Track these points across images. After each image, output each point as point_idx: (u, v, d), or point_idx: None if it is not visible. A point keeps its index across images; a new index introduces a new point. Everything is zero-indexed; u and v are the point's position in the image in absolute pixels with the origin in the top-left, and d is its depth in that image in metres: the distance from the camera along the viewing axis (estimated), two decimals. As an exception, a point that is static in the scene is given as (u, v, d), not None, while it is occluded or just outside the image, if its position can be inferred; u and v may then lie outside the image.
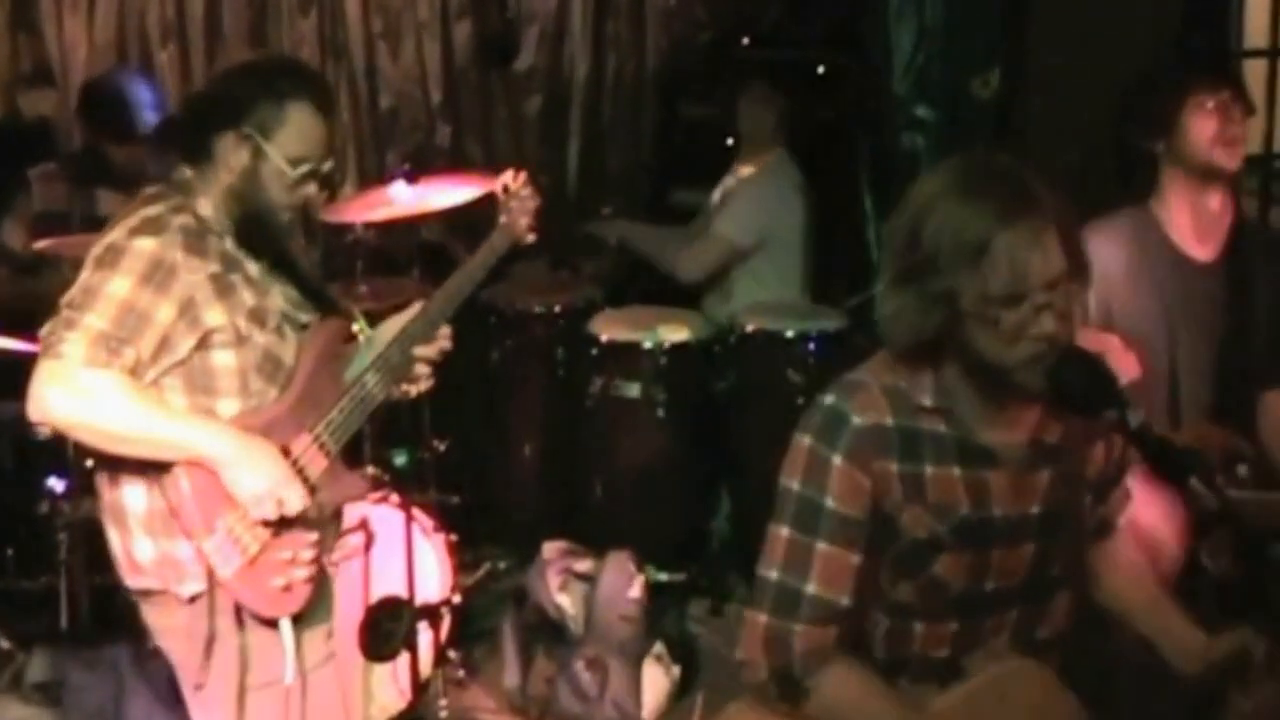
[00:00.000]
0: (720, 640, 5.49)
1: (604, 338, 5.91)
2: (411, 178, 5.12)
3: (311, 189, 3.48)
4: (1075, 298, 2.73)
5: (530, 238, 4.18)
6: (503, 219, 4.18)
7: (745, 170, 6.41)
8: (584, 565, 5.31)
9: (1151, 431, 2.84)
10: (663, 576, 5.67)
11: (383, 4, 7.09)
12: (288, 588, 3.40)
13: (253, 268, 3.45)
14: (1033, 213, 2.65)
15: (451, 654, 5.19)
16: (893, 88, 6.60)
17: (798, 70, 7.25)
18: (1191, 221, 4.22)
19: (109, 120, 5.72)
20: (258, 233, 3.45)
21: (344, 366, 3.65)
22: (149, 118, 5.75)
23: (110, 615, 4.94)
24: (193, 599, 3.40)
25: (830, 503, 2.75)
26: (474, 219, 6.58)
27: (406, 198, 5.11)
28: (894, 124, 6.64)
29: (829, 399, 2.82)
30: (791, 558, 2.78)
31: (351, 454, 5.24)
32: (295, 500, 3.34)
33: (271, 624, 3.43)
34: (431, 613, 4.97)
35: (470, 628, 5.45)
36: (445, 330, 3.83)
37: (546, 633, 5.25)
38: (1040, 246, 2.64)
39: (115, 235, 3.31)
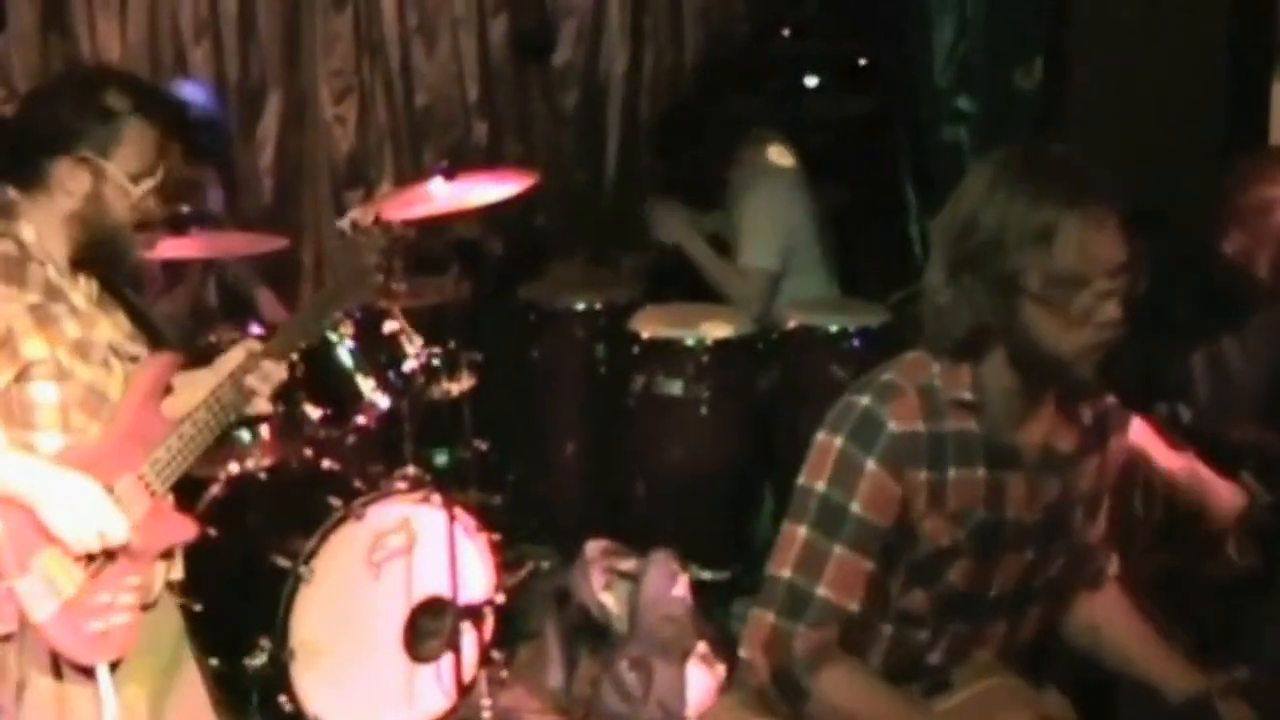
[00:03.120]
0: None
1: (645, 335, 5.87)
2: (449, 175, 5.09)
3: (152, 203, 3.39)
4: (1132, 289, 2.69)
5: (378, 279, 3.99)
6: (348, 260, 3.97)
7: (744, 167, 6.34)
8: (627, 564, 5.28)
9: (1206, 427, 2.84)
10: (706, 575, 5.61)
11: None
12: (106, 633, 3.26)
13: (78, 298, 3.35)
14: (1098, 198, 2.64)
15: (495, 654, 5.16)
16: (934, 80, 6.55)
17: (837, 62, 7.21)
18: None
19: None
20: (104, 256, 3.38)
21: (175, 400, 3.53)
22: (206, 139, 5.71)
23: None
24: (4, 639, 3.21)
25: (856, 507, 2.71)
26: (510, 216, 6.62)
27: (444, 195, 5.08)
28: (935, 116, 6.60)
29: (864, 400, 2.78)
30: (806, 558, 2.74)
31: (391, 455, 5.29)
32: (118, 536, 3.19)
33: (88, 671, 3.27)
34: (475, 613, 4.99)
35: (514, 628, 5.43)
36: (279, 368, 3.66)
37: (590, 633, 5.23)
38: (1106, 232, 2.63)
39: None
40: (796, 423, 5.74)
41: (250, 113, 6.73)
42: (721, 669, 5.13)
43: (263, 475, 5.02)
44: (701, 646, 5.14)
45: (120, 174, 3.30)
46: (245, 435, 5.00)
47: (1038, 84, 6.07)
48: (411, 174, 6.85)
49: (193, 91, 5.90)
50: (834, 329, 5.81)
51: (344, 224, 4.05)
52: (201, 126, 5.67)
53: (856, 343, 5.77)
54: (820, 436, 2.80)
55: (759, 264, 6.16)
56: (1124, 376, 2.75)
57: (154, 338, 3.55)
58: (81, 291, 3.38)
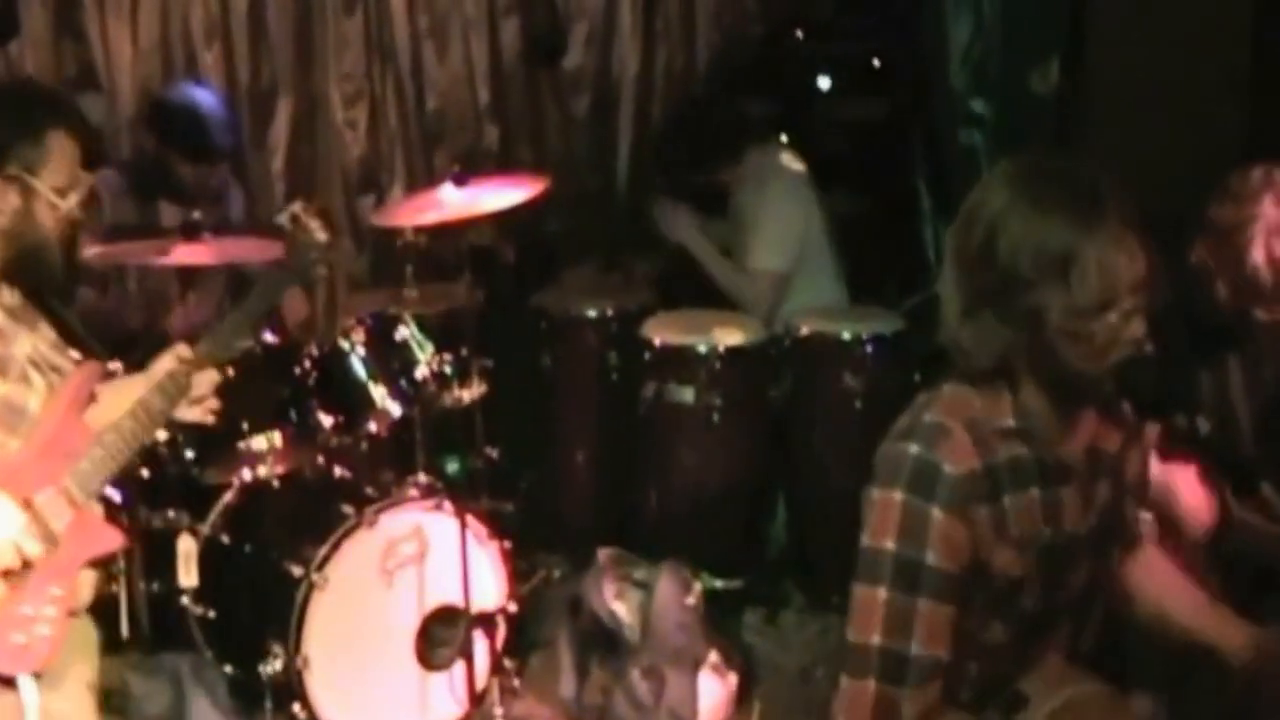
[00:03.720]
0: (776, 648, 5.46)
1: (657, 341, 5.84)
2: (461, 180, 5.07)
3: (78, 213, 3.41)
4: (1154, 301, 2.67)
5: (321, 273, 4.03)
6: (286, 255, 4.01)
7: (752, 169, 6.32)
8: (639, 573, 5.26)
9: (1220, 438, 2.83)
10: (718, 584, 5.60)
11: (429, 2, 7.04)
12: (28, 645, 3.26)
13: None
14: (1110, 218, 2.60)
15: (507, 662, 5.16)
16: (949, 82, 6.54)
17: (852, 64, 7.20)
18: None
19: (184, 137, 5.64)
20: (33, 270, 3.38)
21: (100, 409, 3.51)
22: (223, 138, 5.70)
23: (169, 624, 4.97)
24: None
25: (931, 559, 2.66)
26: (521, 222, 6.60)
27: (456, 200, 5.06)
28: (950, 119, 6.59)
29: (914, 449, 2.71)
30: (893, 621, 2.69)
31: (403, 462, 5.28)
32: (35, 550, 3.22)
33: (10, 683, 3.28)
34: (487, 621, 4.98)
35: (526, 636, 5.42)
36: (211, 374, 3.69)
37: (602, 641, 5.20)
38: (1125, 251, 2.59)
39: None
40: (809, 430, 5.78)
41: (261, 117, 6.72)
42: (733, 678, 5.12)
43: (275, 483, 5.03)
44: (713, 655, 5.11)
45: (48, 190, 3.32)
46: (258, 443, 5.02)
47: (1053, 87, 6.06)
48: (423, 178, 6.87)
49: (199, 94, 5.88)
50: (847, 336, 5.77)
51: (283, 218, 4.04)
52: (209, 129, 5.66)
53: (869, 350, 5.73)
54: (876, 493, 2.74)
55: (767, 266, 6.15)
56: (1140, 386, 2.72)
57: (80, 347, 3.57)
58: (9, 307, 3.38)
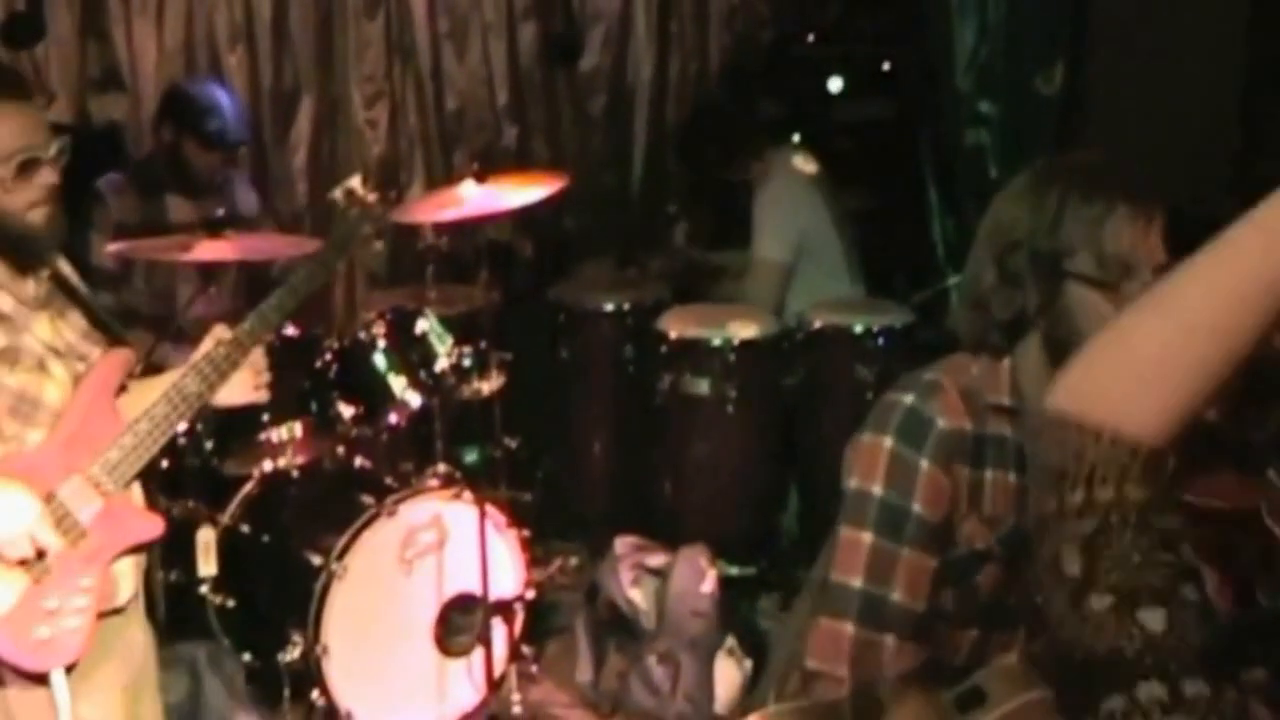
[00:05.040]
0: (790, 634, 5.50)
1: (673, 335, 5.90)
2: (479, 178, 5.13)
3: (44, 176, 3.22)
4: None
5: (377, 246, 3.92)
6: (339, 230, 3.95)
7: (767, 168, 6.40)
8: (656, 560, 5.31)
9: (1229, 425, 2.81)
10: (733, 571, 5.65)
11: (449, 5, 7.11)
12: (52, 639, 3.13)
13: (5, 302, 3.22)
14: (1146, 197, 2.65)
15: (525, 649, 5.21)
16: (956, 83, 6.59)
17: (862, 66, 7.25)
18: None
19: (199, 123, 5.65)
20: (13, 247, 3.23)
21: (134, 397, 3.41)
22: (235, 130, 5.77)
23: (186, 614, 4.95)
24: None
25: (918, 508, 2.70)
26: (539, 219, 6.68)
27: (475, 199, 5.12)
28: (957, 120, 6.64)
29: (909, 399, 2.75)
30: (877, 564, 2.72)
31: (422, 453, 5.34)
32: (50, 542, 3.08)
33: (40, 679, 3.15)
34: (505, 609, 5.01)
35: (543, 624, 5.47)
36: (256, 354, 3.56)
37: (619, 628, 5.26)
38: (1154, 230, 2.63)
39: None
40: (821, 421, 5.82)
41: (284, 117, 6.78)
42: (749, 664, 5.17)
43: (296, 473, 5.03)
44: (729, 641, 5.17)
45: None
46: (279, 434, 5.01)
47: (1058, 89, 6.12)
48: (442, 177, 6.92)
49: (217, 86, 5.94)
50: (859, 329, 5.84)
51: (337, 193, 4.00)
52: (226, 115, 5.70)
53: (881, 342, 5.80)
54: (866, 437, 2.78)
55: (769, 255, 6.22)
56: None
57: (110, 335, 3.44)
58: (22, 295, 3.28)
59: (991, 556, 2.77)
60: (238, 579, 4.99)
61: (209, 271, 5.38)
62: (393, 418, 5.12)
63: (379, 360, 5.01)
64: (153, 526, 3.36)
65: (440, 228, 5.35)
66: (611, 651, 5.26)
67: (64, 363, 3.29)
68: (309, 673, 4.71)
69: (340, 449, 5.21)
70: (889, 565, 2.72)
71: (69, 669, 3.17)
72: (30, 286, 3.29)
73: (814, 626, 2.81)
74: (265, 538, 5.02)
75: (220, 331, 3.49)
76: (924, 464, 2.71)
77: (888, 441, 2.74)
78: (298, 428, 5.05)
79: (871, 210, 6.84)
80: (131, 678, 3.45)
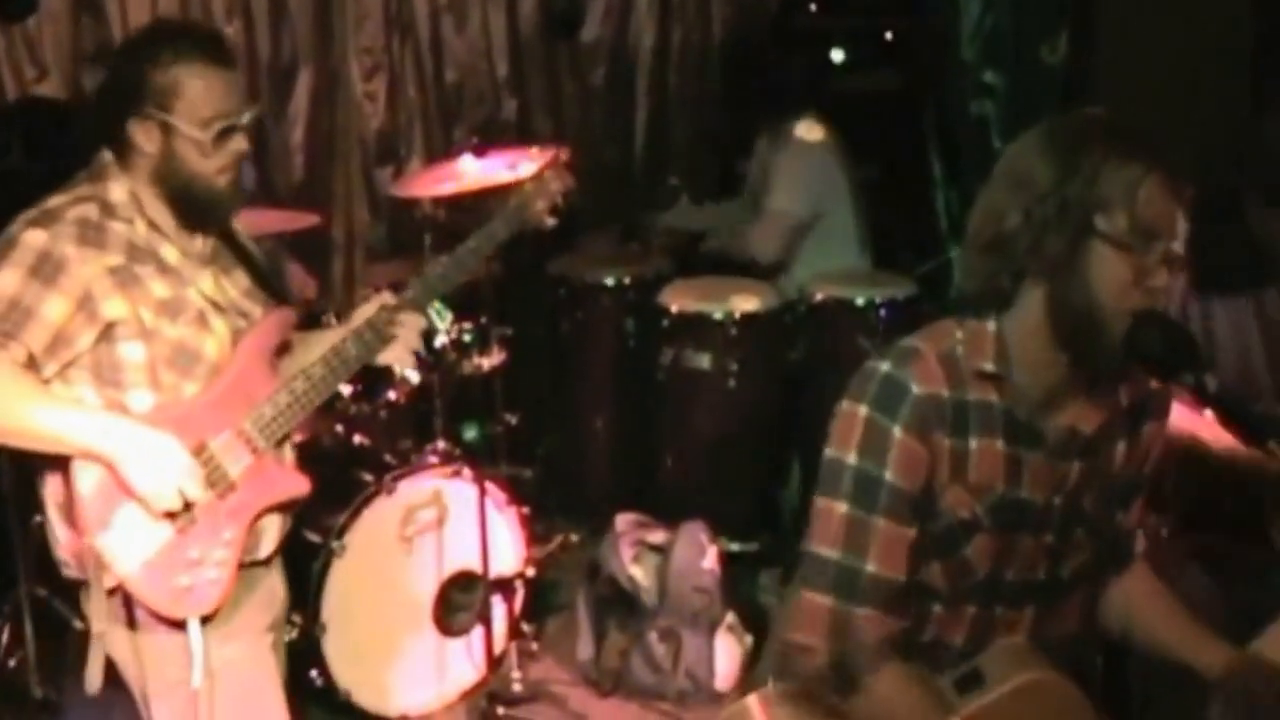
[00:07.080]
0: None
1: (674, 309, 5.90)
2: (479, 151, 5.10)
3: (237, 143, 3.32)
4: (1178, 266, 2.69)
5: (549, 223, 3.95)
6: (517, 201, 3.93)
7: (776, 139, 6.35)
8: (657, 537, 5.31)
9: (1229, 395, 2.79)
10: (735, 547, 5.65)
11: (448, -24, 7.08)
12: (191, 588, 3.23)
13: (171, 255, 3.31)
14: (1175, 169, 2.62)
15: (525, 627, 5.22)
16: (960, 54, 6.56)
17: (865, 37, 7.22)
18: None
19: None
20: (198, 208, 3.33)
21: (294, 358, 3.53)
22: None
23: None
24: (84, 586, 3.25)
25: (890, 476, 2.66)
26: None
27: (474, 172, 5.09)
28: (962, 90, 6.60)
29: (884, 367, 2.71)
30: (851, 534, 2.69)
31: (422, 429, 5.31)
32: (198, 495, 3.19)
33: (175, 625, 3.25)
34: (505, 586, 5.01)
35: (543, 600, 5.48)
36: (417, 319, 3.66)
37: (620, 605, 5.25)
38: (1181, 201, 2.61)
39: (13, 225, 3.21)
40: (824, 395, 5.67)
41: (281, 90, 6.73)
42: (749, 639, 5.17)
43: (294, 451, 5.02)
44: (730, 617, 5.17)
45: (188, 124, 3.26)
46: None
47: (1063, 58, 6.08)
48: (442, 150, 6.87)
49: None
50: (861, 301, 5.83)
51: (524, 170, 4.00)
52: None
53: (883, 314, 5.80)
54: (844, 405, 2.73)
55: (785, 207, 6.18)
56: (1147, 343, 2.71)
57: (272, 294, 3.54)
58: (188, 250, 3.35)
59: (979, 527, 2.74)
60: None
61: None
62: (392, 394, 5.13)
63: (378, 336, 4.96)
64: (299, 485, 3.49)
65: (439, 200, 5.32)
66: (612, 629, 5.25)
67: (225, 318, 3.37)
68: (308, 651, 4.69)
69: (339, 426, 5.20)
70: (864, 535, 2.69)
71: (205, 620, 3.26)
72: (199, 242, 3.40)
73: (793, 598, 2.79)
74: (264, 515, 4.98)
75: (385, 297, 3.60)
76: (897, 432, 2.66)
77: (863, 410, 2.70)
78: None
79: (875, 181, 6.81)
80: (272, 622, 3.57)
